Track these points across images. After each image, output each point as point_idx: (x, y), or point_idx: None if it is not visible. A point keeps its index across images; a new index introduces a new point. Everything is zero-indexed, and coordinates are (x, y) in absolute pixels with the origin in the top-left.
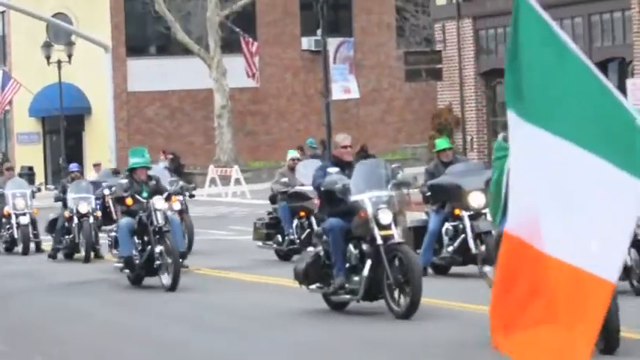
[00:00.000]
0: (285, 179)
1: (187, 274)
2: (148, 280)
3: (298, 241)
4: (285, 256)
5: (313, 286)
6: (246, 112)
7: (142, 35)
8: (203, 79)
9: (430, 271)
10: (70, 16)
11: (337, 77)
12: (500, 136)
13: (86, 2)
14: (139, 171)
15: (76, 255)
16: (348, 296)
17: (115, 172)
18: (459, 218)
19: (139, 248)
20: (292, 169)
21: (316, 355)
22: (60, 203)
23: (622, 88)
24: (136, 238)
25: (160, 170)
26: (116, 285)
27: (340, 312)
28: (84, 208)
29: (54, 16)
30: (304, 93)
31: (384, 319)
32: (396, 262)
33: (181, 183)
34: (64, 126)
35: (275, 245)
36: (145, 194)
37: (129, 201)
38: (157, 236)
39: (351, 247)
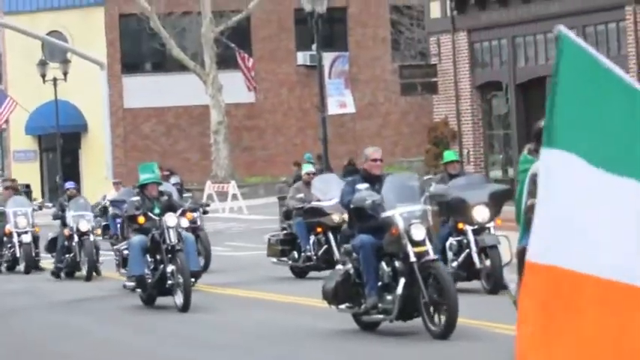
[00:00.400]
0: (300, 195)
1: (197, 292)
2: (160, 300)
3: (315, 257)
4: (300, 272)
5: (343, 306)
6: (242, 127)
7: (137, 52)
8: (199, 95)
9: None
10: (65, 34)
11: (333, 92)
12: (526, 149)
13: (81, 20)
14: (150, 187)
15: (77, 273)
16: (380, 316)
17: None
18: (463, 233)
19: (151, 267)
20: (308, 183)
21: None
22: (58, 221)
23: None
24: (148, 256)
25: (169, 187)
26: (119, 303)
27: (351, 332)
28: (84, 226)
29: (49, 34)
30: (300, 108)
31: (389, 337)
32: (431, 280)
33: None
34: (61, 143)
35: (290, 262)
36: (157, 211)
37: (141, 219)
38: (169, 255)
39: (383, 264)
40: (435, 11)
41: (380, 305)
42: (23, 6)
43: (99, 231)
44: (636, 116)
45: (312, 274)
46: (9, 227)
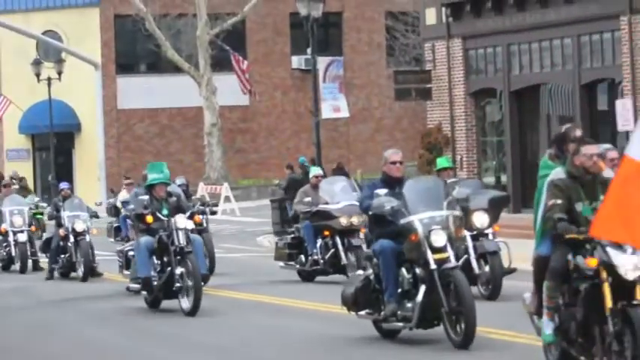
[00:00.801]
0: (308, 198)
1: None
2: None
3: (322, 261)
4: (308, 276)
5: (362, 312)
6: (236, 130)
7: (132, 53)
8: (193, 97)
9: None
10: (59, 34)
11: (327, 96)
12: (547, 154)
13: (76, 20)
14: (158, 187)
15: (72, 273)
16: (400, 324)
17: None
18: (461, 238)
19: (158, 269)
20: (315, 186)
21: None
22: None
23: (611, 109)
24: (155, 258)
25: (177, 189)
26: (118, 304)
27: (361, 338)
28: (80, 227)
29: (44, 33)
30: (294, 111)
31: (395, 344)
32: (452, 287)
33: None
34: (54, 143)
35: (298, 265)
36: (165, 212)
37: (149, 218)
38: (178, 257)
39: (403, 271)
40: (430, 18)
41: (399, 312)
42: (18, 5)
43: (95, 231)
44: None
45: (318, 278)
46: (4, 226)
